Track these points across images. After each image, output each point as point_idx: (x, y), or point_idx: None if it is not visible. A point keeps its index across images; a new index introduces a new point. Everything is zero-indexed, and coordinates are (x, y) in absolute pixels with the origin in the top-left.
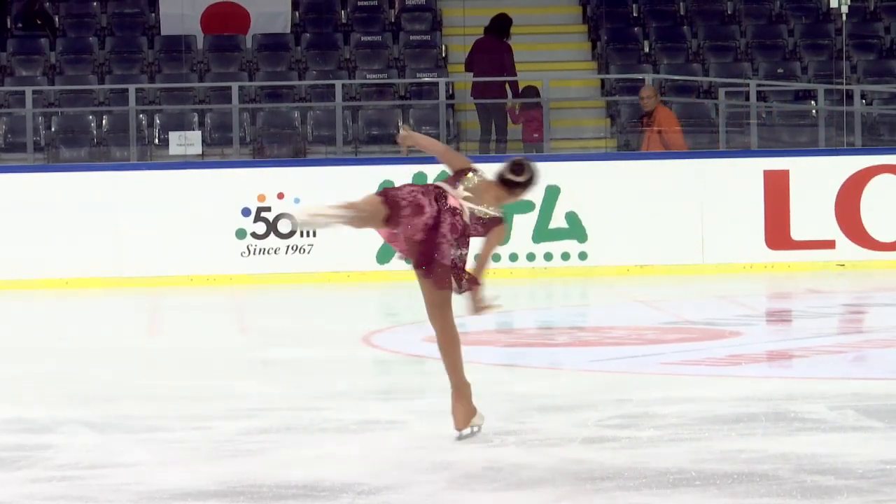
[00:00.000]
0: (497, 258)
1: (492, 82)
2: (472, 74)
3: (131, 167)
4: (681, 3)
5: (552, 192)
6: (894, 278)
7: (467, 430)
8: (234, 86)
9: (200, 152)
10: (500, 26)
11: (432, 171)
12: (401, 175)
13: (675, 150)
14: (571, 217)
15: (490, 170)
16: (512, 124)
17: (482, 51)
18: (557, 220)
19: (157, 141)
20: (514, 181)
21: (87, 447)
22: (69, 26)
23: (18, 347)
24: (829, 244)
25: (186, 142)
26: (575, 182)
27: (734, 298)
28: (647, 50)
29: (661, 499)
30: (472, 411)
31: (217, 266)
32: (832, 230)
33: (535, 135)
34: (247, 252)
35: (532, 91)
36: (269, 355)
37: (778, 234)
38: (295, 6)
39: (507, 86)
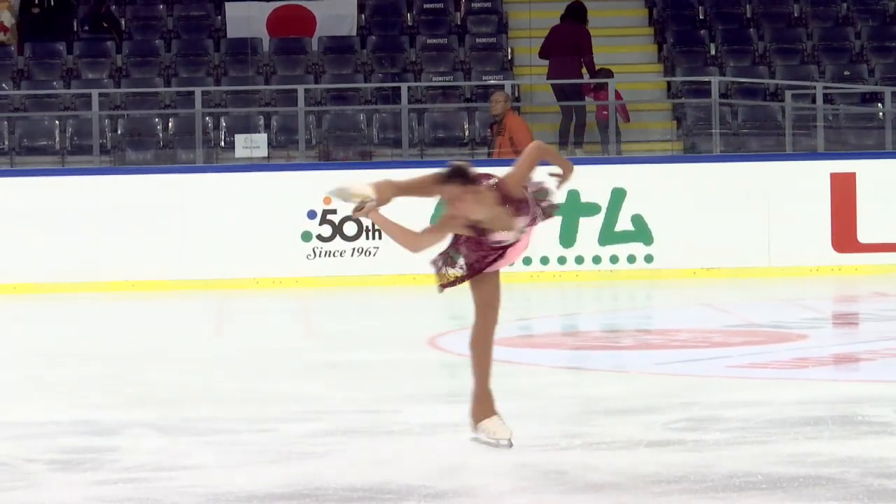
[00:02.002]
0: (563, 261)
1: (569, 68)
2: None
3: (197, 170)
4: (747, 6)
5: (618, 195)
6: None
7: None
8: (300, 88)
9: (266, 155)
10: (578, 12)
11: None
12: None
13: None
14: (637, 220)
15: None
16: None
17: (561, 36)
18: (623, 223)
19: (222, 143)
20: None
21: (152, 449)
22: (135, 29)
23: (84, 350)
24: None
25: (252, 144)
26: (641, 184)
27: (800, 301)
28: (713, 52)
29: (727, 502)
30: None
31: (283, 269)
32: None
33: (605, 112)
34: (312, 255)
35: (606, 73)
36: (335, 358)
37: (844, 236)
38: (361, 9)
39: (583, 68)
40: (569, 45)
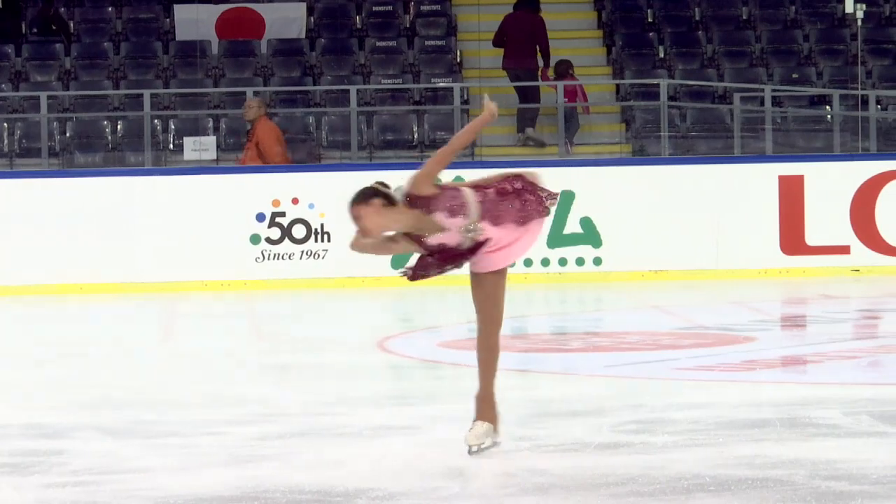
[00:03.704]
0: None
1: (525, 55)
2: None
3: (146, 172)
4: (696, 9)
5: (567, 198)
6: None
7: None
8: (249, 91)
9: (215, 157)
10: (531, 0)
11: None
12: None
13: (275, 164)
14: (586, 222)
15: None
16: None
17: (515, 24)
18: (572, 226)
19: (171, 146)
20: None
21: (100, 453)
22: (84, 31)
23: (32, 353)
24: (844, 249)
25: (201, 147)
26: (590, 187)
27: (749, 304)
28: (661, 55)
29: None
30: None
31: (231, 271)
32: (847, 235)
33: (576, 102)
34: (261, 257)
35: (565, 64)
36: (284, 361)
37: (793, 239)
38: (310, 11)
39: (538, 56)
40: (524, 33)
